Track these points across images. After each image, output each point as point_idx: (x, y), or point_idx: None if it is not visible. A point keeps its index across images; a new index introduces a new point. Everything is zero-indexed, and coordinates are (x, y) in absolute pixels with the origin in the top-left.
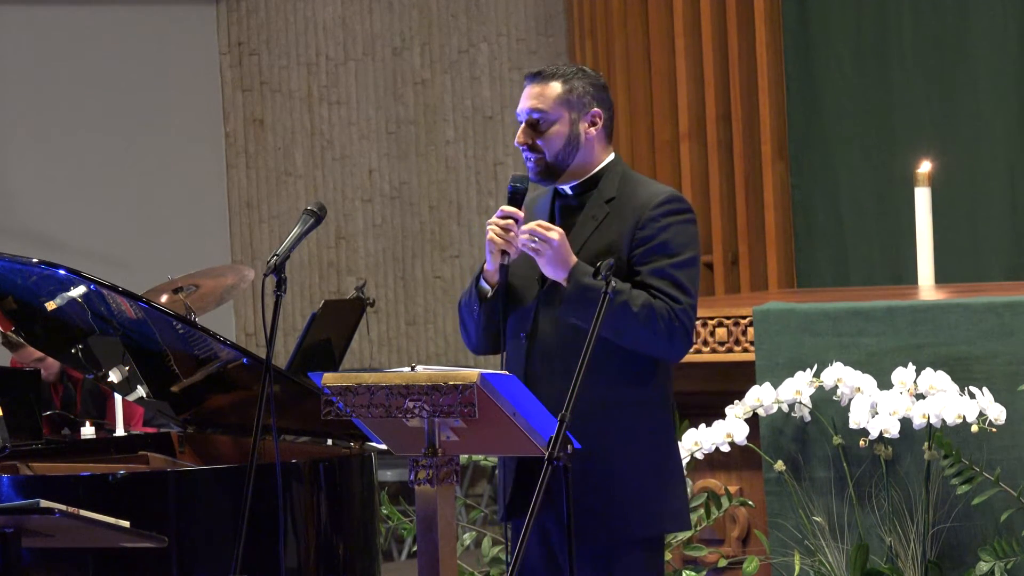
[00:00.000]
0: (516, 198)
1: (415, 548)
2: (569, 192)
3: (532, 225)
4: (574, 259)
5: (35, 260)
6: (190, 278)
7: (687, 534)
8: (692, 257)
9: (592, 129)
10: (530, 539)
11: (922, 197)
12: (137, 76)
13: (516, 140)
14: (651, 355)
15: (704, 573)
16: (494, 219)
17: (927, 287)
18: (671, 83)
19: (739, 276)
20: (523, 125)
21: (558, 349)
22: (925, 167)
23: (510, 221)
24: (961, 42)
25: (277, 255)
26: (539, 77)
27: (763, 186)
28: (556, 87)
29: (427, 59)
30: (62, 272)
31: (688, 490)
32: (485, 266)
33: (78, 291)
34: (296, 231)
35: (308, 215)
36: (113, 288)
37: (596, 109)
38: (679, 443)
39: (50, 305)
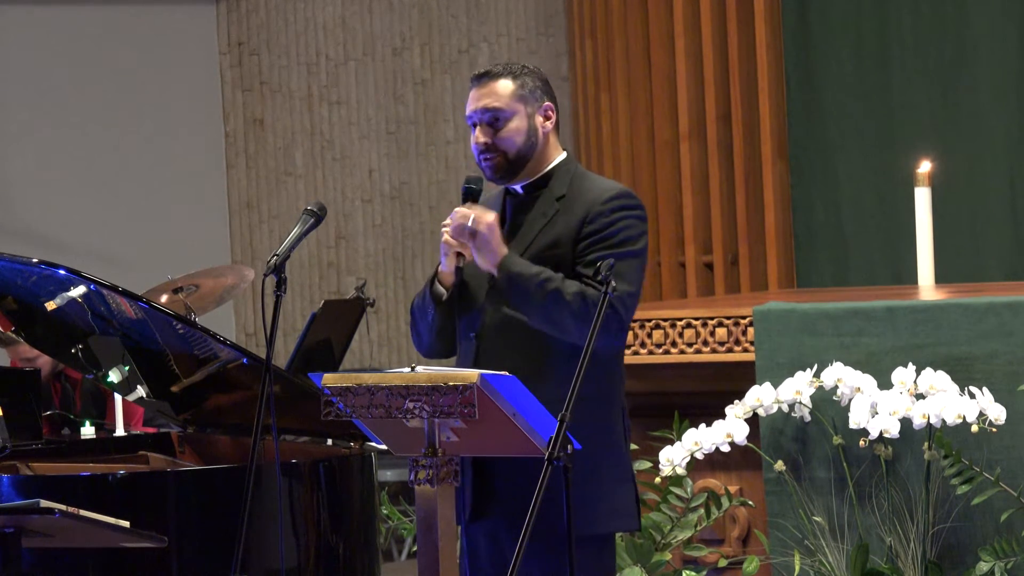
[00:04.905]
0: (471, 200)
1: (415, 548)
2: (520, 191)
3: (463, 210)
4: (504, 249)
5: (35, 260)
6: (190, 278)
7: (688, 533)
8: (636, 251)
9: (547, 123)
10: (482, 541)
11: (922, 197)
12: (137, 76)
13: (474, 142)
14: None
15: (704, 573)
16: (449, 221)
17: (927, 287)
18: (671, 83)
19: (739, 276)
20: (480, 126)
21: (505, 348)
22: (925, 167)
23: None
24: (961, 42)
25: (277, 255)
26: (487, 76)
27: (763, 186)
28: (508, 84)
29: (427, 59)
30: (62, 272)
31: (690, 490)
32: (440, 268)
33: (78, 291)
34: (296, 231)
35: (308, 215)
36: (113, 288)
37: (548, 103)
38: (628, 441)
39: (50, 305)
